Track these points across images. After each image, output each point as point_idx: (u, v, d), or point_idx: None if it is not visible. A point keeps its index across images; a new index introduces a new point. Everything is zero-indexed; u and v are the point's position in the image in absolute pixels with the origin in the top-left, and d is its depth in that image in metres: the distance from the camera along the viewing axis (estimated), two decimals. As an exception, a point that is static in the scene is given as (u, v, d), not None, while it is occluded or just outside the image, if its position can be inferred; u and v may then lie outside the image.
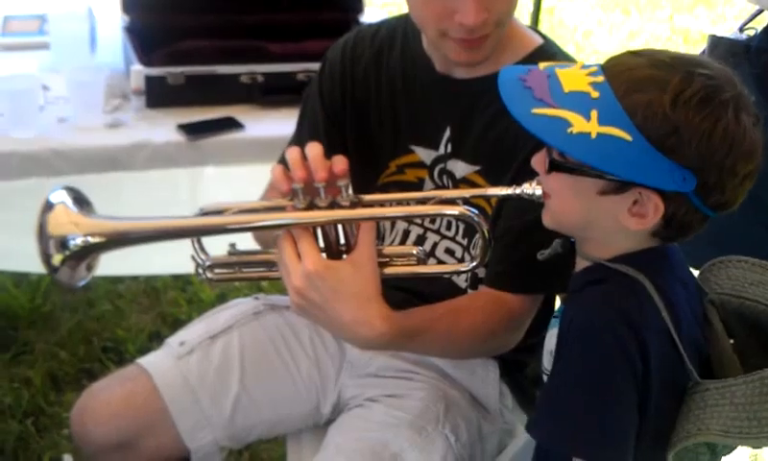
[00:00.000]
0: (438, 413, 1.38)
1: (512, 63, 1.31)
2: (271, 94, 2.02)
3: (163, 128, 1.93)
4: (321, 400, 1.52)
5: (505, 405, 1.48)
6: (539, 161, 1.07)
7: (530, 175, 1.11)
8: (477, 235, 1.36)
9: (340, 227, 1.14)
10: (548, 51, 1.35)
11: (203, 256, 1.20)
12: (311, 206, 1.12)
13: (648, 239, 1.06)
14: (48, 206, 1.12)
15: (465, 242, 1.39)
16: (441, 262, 1.40)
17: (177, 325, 2.37)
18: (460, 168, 1.37)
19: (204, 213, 1.17)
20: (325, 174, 1.12)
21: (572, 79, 1.02)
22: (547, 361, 1.13)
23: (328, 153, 1.40)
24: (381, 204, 1.17)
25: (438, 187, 1.39)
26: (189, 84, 1.97)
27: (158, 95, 1.97)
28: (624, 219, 1.02)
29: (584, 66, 1.05)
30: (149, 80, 1.96)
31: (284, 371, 1.52)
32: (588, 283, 1.07)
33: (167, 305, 2.61)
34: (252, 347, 1.51)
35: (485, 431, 1.44)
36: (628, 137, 0.96)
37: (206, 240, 1.21)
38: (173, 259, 1.76)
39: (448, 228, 1.40)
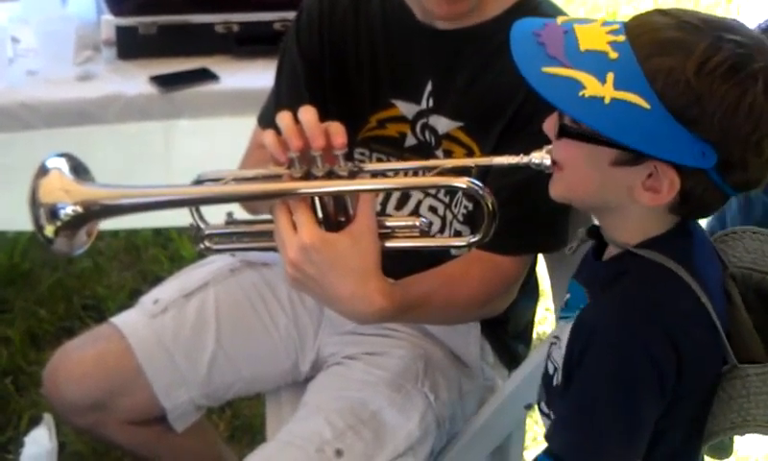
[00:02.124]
0: (417, 371, 1.36)
1: (497, 14, 1.27)
2: (246, 44, 1.97)
3: (135, 80, 1.88)
4: (299, 358, 1.50)
5: (486, 362, 1.47)
6: (550, 125, 1.00)
7: (520, 135, 1.07)
8: (459, 193, 1.34)
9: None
10: (534, 0, 1.29)
11: (201, 225, 1.15)
12: (308, 176, 1.07)
13: (667, 216, 0.99)
14: (42, 172, 1.07)
15: (447, 200, 1.36)
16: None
17: (158, 282, 2.30)
18: (442, 124, 1.33)
19: (201, 181, 1.13)
20: (323, 141, 1.06)
21: (590, 36, 0.94)
22: (554, 349, 1.07)
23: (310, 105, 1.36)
24: (382, 173, 1.12)
25: (420, 143, 1.35)
26: (161, 34, 1.92)
27: (130, 46, 1.92)
28: (638, 193, 0.95)
29: (605, 23, 0.97)
30: (120, 30, 1.91)
31: (262, 328, 1.49)
32: (614, 276, 1.01)
33: (148, 262, 2.58)
34: (229, 304, 1.49)
35: (465, 389, 1.42)
36: (646, 105, 0.89)
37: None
38: (154, 213, 1.73)
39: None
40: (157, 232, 2.65)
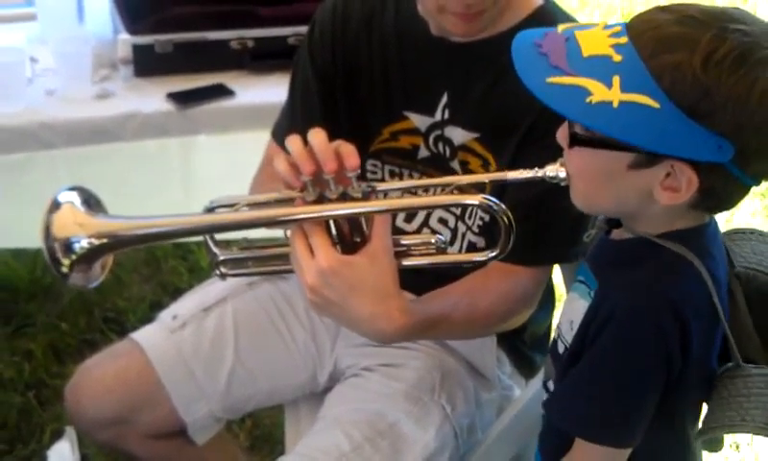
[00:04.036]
0: (434, 383, 1.37)
1: (512, 25, 1.27)
2: (261, 59, 1.99)
3: (152, 97, 1.90)
4: (317, 370, 1.51)
5: (503, 371, 1.47)
6: (562, 136, 0.99)
7: (538, 145, 1.07)
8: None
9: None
10: (548, 11, 1.30)
11: (216, 252, 1.17)
12: (321, 198, 1.07)
13: (690, 212, 0.98)
14: (54, 206, 1.08)
15: (458, 211, 1.36)
16: (435, 233, 1.37)
17: (178, 294, 2.32)
18: (458, 135, 1.33)
19: (214, 207, 1.13)
20: (335, 165, 1.05)
21: (592, 41, 0.93)
22: (566, 330, 1.08)
23: (323, 120, 1.36)
24: (394, 192, 1.13)
25: (434, 154, 1.36)
26: (177, 51, 1.94)
27: (147, 64, 1.95)
28: (657, 194, 0.94)
29: (606, 26, 0.96)
30: (136, 48, 1.94)
31: (279, 341, 1.50)
32: (630, 260, 1.01)
33: (168, 274, 2.60)
34: (247, 318, 1.50)
35: (483, 399, 1.42)
36: (655, 104, 0.88)
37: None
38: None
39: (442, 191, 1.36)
40: (177, 244, 2.66)
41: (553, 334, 1.13)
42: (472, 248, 1.36)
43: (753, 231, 1.11)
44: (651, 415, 1.00)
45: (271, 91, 1.87)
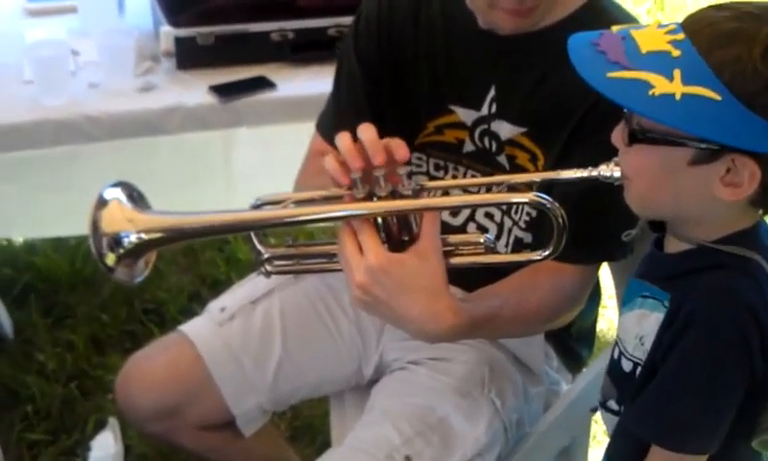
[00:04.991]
0: (483, 377, 1.36)
1: (561, 18, 1.26)
2: (301, 51, 1.98)
3: (195, 90, 1.90)
4: (363, 362, 1.51)
5: (550, 366, 1.47)
6: (617, 136, 0.99)
7: (589, 142, 1.06)
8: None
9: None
10: (599, 3, 1.28)
11: (261, 249, 1.17)
12: (370, 196, 1.06)
13: (748, 210, 0.98)
14: (101, 203, 1.09)
15: (504, 206, 1.35)
16: (481, 227, 1.36)
17: (216, 285, 2.37)
18: (505, 129, 1.31)
19: (261, 204, 1.13)
20: (384, 157, 1.05)
21: (649, 38, 0.94)
22: (634, 347, 1.05)
23: (369, 113, 1.36)
24: (444, 191, 1.12)
25: (479, 149, 1.35)
26: (219, 43, 1.94)
27: (188, 56, 1.94)
28: (717, 190, 0.93)
29: (660, 25, 0.96)
30: (178, 41, 1.93)
31: (326, 333, 1.51)
32: (696, 269, 0.99)
33: (205, 266, 2.61)
34: (293, 310, 1.50)
35: (530, 393, 1.42)
36: (716, 97, 0.88)
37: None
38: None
39: (488, 191, 1.36)
40: (213, 236, 2.68)
41: (612, 354, 1.11)
42: (519, 243, 1.35)
43: None
44: (731, 421, 0.99)
45: (312, 83, 1.89)
